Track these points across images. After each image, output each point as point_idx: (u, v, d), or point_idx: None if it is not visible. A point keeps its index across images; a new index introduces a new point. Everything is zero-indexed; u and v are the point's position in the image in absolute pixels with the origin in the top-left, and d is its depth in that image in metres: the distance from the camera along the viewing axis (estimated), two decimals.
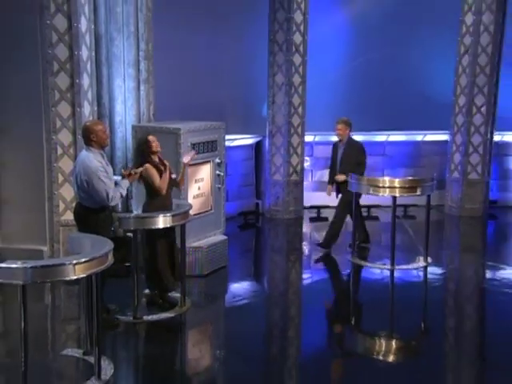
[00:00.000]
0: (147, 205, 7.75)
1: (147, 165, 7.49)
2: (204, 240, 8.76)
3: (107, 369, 6.12)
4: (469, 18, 11.56)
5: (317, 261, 10.38)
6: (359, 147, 9.60)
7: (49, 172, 8.44)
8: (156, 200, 7.65)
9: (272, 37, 11.20)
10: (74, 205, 8.28)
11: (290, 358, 7.60)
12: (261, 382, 6.99)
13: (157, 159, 7.65)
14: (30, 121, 8.38)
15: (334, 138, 12.29)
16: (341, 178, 9.12)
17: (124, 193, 7.21)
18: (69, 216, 8.41)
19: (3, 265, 5.40)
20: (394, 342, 7.66)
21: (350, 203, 9.34)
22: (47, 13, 7.97)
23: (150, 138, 7.64)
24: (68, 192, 8.50)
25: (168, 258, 7.88)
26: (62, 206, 8.56)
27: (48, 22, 8.00)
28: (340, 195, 9.65)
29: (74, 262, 5.52)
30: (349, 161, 9.17)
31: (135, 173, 7.26)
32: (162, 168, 7.61)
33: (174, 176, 7.87)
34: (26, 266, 5.46)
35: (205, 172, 8.89)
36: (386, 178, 9.42)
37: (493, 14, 11.37)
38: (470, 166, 11.95)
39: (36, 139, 8.41)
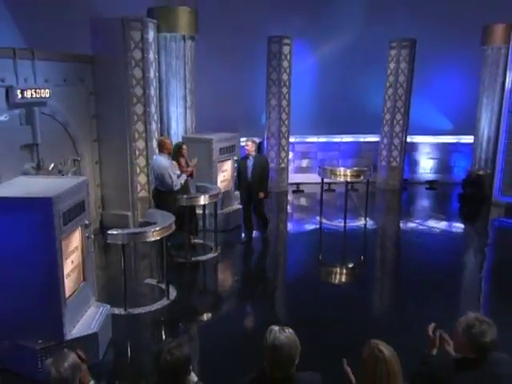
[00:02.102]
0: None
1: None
2: (227, 208, 8.92)
3: (172, 292, 6.39)
4: (392, 65, 11.68)
5: (298, 219, 10.60)
6: (266, 160, 8.72)
7: (131, 166, 8.64)
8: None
9: (269, 76, 11.31)
10: (146, 187, 8.84)
11: (281, 278, 7.97)
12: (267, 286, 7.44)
13: (184, 159, 7.68)
14: (119, 134, 8.49)
15: (309, 140, 12.63)
16: (261, 195, 8.15)
17: (182, 182, 7.38)
18: (143, 194, 8.86)
19: (112, 231, 5.78)
20: (345, 269, 8.00)
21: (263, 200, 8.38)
22: (130, 67, 8.24)
23: (184, 146, 7.75)
24: (142, 179, 8.81)
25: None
26: (138, 187, 8.84)
27: (130, 72, 8.28)
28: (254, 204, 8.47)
29: (152, 230, 5.90)
30: (257, 171, 8.11)
31: (186, 171, 7.53)
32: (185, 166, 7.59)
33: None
34: (124, 232, 5.89)
35: (227, 165, 9.07)
36: (342, 168, 9.48)
37: (406, 63, 11.53)
38: (392, 158, 12.15)
39: (122, 146, 8.54)
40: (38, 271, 4.39)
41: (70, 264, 4.76)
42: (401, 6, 11.40)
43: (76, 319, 4.83)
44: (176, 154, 7.52)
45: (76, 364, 2.82)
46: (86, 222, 5.06)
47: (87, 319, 4.99)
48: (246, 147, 8.23)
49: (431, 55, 11.51)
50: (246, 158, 8.29)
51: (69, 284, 4.68)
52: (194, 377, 2.91)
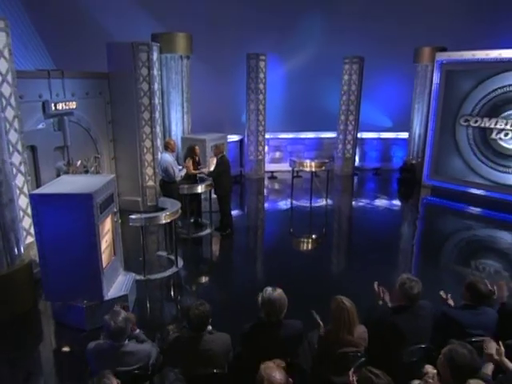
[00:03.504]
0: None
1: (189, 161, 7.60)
2: None
3: (180, 262, 6.53)
4: (345, 77, 11.64)
5: (273, 200, 10.55)
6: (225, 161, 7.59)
7: (140, 160, 8.62)
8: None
9: (248, 86, 11.22)
10: (153, 177, 8.80)
11: (261, 247, 8.08)
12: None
13: (197, 157, 7.78)
14: (130, 135, 8.47)
15: (281, 136, 12.50)
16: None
17: (182, 174, 7.47)
18: (150, 183, 8.80)
19: (133, 216, 5.97)
20: (310, 239, 8.02)
21: (223, 197, 7.67)
22: (138, 82, 8.20)
23: (196, 147, 7.85)
24: (149, 171, 8.76)
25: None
26: (146, 178, 8.79)
27: (139, 86, 8.22)
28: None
29: (164, 214, 6.02)
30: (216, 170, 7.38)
31: (187, 166, 7.61)
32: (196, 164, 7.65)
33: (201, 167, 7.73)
34: (143, 216, 6.07)
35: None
36: (308, 161, 9.47)
37: (357, 75, 11.52)
38: (346, 150, 12.13)
39: (133, 145, 8.52)
40: (83, 248, 4.62)
41: (105, 243, 4.99)
42: (352, 30, 11.41)
43: (110, 284, 5.12)
44: (190, 153, 7.58)
45: (127, 317, 3.20)
46: (115, 210, 5.31)
47: (118, 284, 5.27)
48: (216, 150, 7.65)
49: (376, 69, 11.50)
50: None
51: (104, 258, 4.93)
52: (208, 326, 3.26)
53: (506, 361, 2.97)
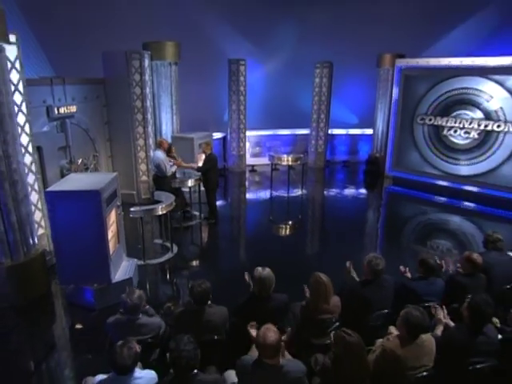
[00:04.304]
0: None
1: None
2: None
3: (174, 248, 6.65)
4: (317, 79, 11.78)
5: (254, 190, 10.53)
6: (214, 158, 7.66)
7: (134, 158, 8.64)
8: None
9: (230, 88, 11.25)
10: (146, 173, 8.83)
11: (245, 233, 8.20)
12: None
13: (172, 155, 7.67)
14: (125, 135, 8.48)
15: (260, 133, 12.48)
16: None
17: (173, 170, 7.63)
18: (144, 178, 8.85)
19: (133, 209, 6.14)
20: (288, 225, 8.13)
21: (210, 191, 7.80)
22: (131, 86, 8.24)
23: (172, 147, 7.81)
24: (143, 167, 8.82)
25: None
26: (140, 173, 8.79)
27: (132, 90, 8.26)
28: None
29: (160, 206, 6.12)
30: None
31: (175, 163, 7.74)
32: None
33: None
34: (142, 208, 6.23)
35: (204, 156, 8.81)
36: (285, 156, 9.60)
37: (327, 78, 11.64)
38: (318, 145, 12.28)
39: (128, 143, 8.53)
40: (93, 238, 4.81)
41: (111, 233, 5.16)
42: (322, 37, 11.56)
43: (116, 269, 5.33)
44: (167, 153, 7.60)
45: (140, 295, 3.47)
46: (118, 204, 5.48)
47: (123, 269, 5.48)
48: (206, 147, 7.65)
49: (344, 72, 11.66)
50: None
51: (111, 246, 5.10)
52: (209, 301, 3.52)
53: (450, 322, 3.45)
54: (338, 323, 3.45)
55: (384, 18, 11.45)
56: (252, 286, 3.70)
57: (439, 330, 3.36)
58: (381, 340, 3.11)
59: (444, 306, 3.61)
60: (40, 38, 8.79)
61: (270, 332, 2.61)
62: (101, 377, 2.68)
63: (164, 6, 10.13)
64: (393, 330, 3.26)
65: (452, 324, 3.35)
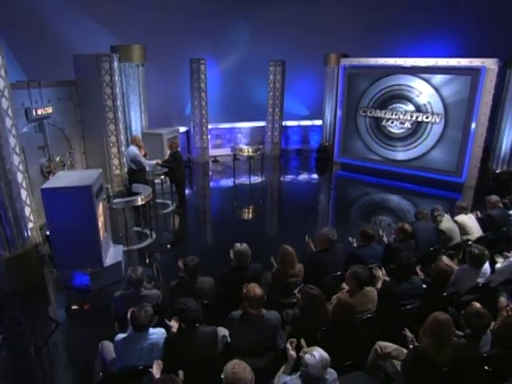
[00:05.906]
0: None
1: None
2: None
3: (154, 234, 6.92)
4: (271, 76, 12.17)
5: (218, 179, 10.69)
6: (179, 157, 7.83)
7: (107, 154, 8.76)
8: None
9: (192, 85, 11.35)
10: (119, 167, 9.02)
11: (212, 217, 8.43)
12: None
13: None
14: (97, 133, 8.54)
15: (220, 126, 12.69)
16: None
17: (151, 164, 7.79)
18: (117, 172, 9.04)
19: (116, 200, 6.44)
20: (251, 209, 8.45)
21: (179, 186, 8.17)
22: (102, 87, 8.36)
23: (141, 143, 7.85)
24: (115, 162, 8.97)
25: None
26: (113, 167, 8.93)
27: (102, 90, 8.37)
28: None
29: (139, 197, 6.34)
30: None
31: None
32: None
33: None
34: (123, 200, 6.50)
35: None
36: (246, 147, 10.02)
37: (280, 75, 12.09)
38: (274, 136, 12.67)
39: (101, 140, 8.60)
40: (85, 227, 5.12)
41: (100, 223, 5.49)
42: (274, 36, 11.89)
43: (106, 254, 5.69)
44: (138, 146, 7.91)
45: (142, 271, 3.96)
46: (104, 196, 5.84)
47: (111, 254, 5.82)
48: (173, 144, 7.81)
49: (295, 69, 12.01)
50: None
51: (101, 233, 5.47)
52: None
53: (387, 278, 4.25)
54: (302, 285, 3.88)
55: (330, 21, 11.99)
56: (232, 259, 4.27)
57: (379, 284, 4.03)
58: (335, 296, 3.67)
59: (383, 267, 4.41)
60: (9, 43, 8.58)
61: (257, 288, 3.20)
62: (122, 335, 3.17)
63: (128, 11, 10.32)
64: (345, 286, 3.97)
65: (388, 278, 4.15)
